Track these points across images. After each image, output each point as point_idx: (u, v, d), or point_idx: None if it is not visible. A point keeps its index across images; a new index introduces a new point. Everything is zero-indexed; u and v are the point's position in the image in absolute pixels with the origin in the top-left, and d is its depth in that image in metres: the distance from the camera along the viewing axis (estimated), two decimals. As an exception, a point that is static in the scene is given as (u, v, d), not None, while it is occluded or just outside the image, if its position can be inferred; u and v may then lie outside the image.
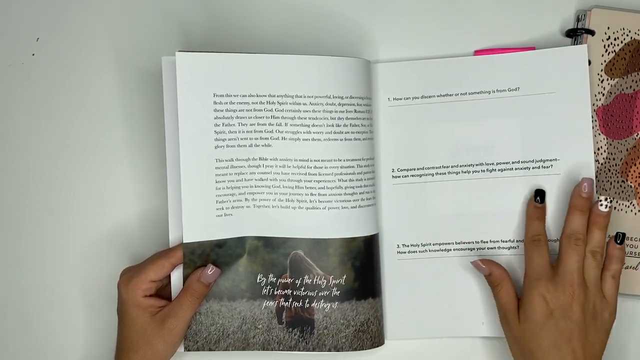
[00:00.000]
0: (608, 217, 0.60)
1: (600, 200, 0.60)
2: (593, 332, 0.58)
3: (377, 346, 0.63)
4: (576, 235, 0.60)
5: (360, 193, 0.62)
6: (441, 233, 0.65)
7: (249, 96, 0.61)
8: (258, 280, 0.62)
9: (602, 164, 0.65)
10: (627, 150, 0.65)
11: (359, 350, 0.63)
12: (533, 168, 0.64)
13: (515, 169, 0.64)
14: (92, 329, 0.67)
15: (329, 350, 0.62)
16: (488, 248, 0.64)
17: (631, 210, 0.64)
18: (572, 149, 0.63)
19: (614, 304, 0.60)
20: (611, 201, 0.63)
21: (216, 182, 0.61)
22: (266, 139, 0.61)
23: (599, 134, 0.65)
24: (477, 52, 0.66)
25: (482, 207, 0.64)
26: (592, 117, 0.64)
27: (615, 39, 0.64)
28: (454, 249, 0.65)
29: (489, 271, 0.62)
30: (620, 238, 0.61)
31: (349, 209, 0.62)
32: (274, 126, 0.61)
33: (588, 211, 0.61)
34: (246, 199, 0.62)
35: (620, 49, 0.65)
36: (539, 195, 0.62)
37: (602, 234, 0.60)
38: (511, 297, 0.61)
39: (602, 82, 0.65)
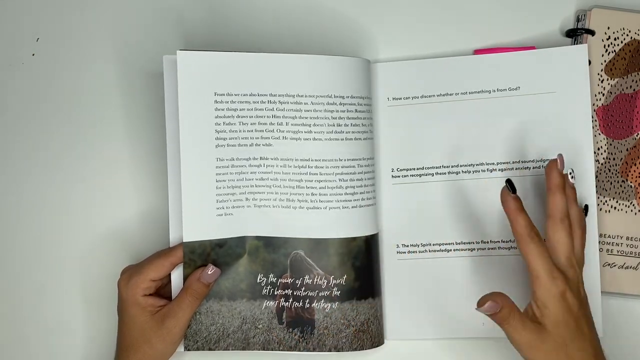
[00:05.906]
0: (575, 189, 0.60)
1: (571, 172, 0.59)
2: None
3: (377, 346, 0.63)
4: (564, 215, 0.56)
5: (360, 193, 0.62)
6: (441, 233, 0.65)
7: (250, 95, 0.60)
8: (258, 280, 0.62)
9: (602, 164, 0.65)
10: (627, 150, 0.65)
11: (359, 350, 0.62)
12: (534, 168, 0.64)
13: (516, 168, 0.64)
14: (92, 328, 0.67)
15: (329, 350, 0.62)
16: (488, 248, 0.64)
17: (631, 210, 0.64)
18: (573, 148, 0.63)
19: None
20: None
21: (217, 181, 0.60)
22: (267, 138, 0.61)
23: (599, 134, 0.65)
24: (477, 52, 0.66)
25: (483, 207, 0.64)
26: (592, 117, 0.64)
27: (615, 39, 0.65)
28: (454, 249, 0.64)
29: (500, 305, 0.54)
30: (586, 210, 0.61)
31: (350, 209, 0.62)
32: (274, 125, 0.61)
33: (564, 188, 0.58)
34: (247, 199, 0.61)
35: (620, 49, 0.65)
36: (510, 185, 0.57)
37: (579, 209, 0.59)
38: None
39: (602, 82, 0.65)
